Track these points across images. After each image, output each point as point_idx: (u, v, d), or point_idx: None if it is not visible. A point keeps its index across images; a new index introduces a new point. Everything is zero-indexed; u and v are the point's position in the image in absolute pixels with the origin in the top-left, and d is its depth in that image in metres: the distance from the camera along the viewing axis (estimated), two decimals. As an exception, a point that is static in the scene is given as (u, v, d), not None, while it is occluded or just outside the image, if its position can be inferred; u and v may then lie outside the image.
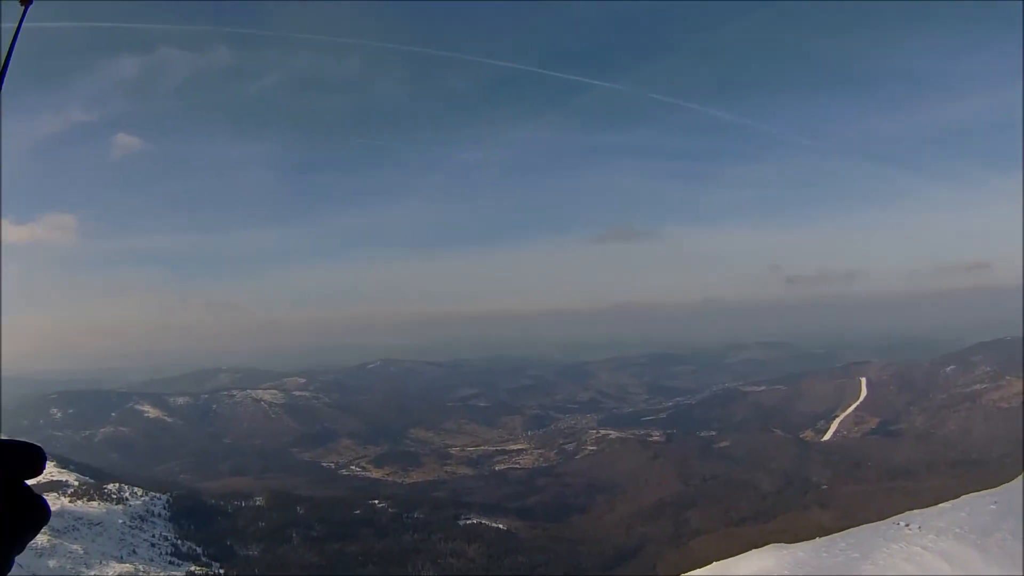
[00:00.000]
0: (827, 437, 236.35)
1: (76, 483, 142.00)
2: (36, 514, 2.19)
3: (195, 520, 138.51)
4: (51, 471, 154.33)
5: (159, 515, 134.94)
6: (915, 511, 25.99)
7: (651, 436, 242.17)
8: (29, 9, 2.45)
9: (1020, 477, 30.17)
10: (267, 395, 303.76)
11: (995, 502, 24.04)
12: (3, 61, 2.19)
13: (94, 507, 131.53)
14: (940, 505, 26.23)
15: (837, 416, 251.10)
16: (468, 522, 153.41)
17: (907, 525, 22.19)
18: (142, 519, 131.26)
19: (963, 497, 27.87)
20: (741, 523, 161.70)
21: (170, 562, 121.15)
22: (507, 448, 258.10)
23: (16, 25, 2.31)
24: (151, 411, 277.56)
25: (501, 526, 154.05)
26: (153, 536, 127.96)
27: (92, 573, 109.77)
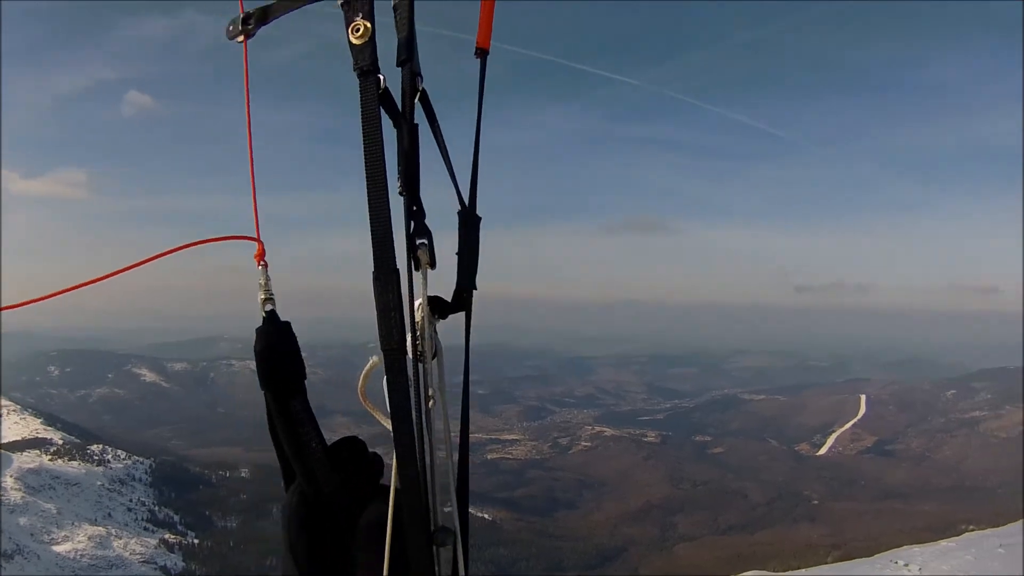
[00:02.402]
0: (822, 452, 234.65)
1: (60, 442, 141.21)
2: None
3: (176, 487, 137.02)
4: (36, 428, 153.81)
5: (140, 480, 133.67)
6: (914, 547, 23.93)
7: (646, 436, 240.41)
8: None
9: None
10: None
11: (1001, 545, 21.87)
12: None
13: (74, 467, 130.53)
14: (942, 543, 24.04)
15: (834, 431, 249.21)
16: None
17: (906, 565, 20.10)
18: (122, 483, 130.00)
19: (965, 535, 25.91)
20: (728, 531, 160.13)
21: (145, 528, 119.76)
22: (501, 437, 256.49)
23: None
24: (148, 375, 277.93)
25: (486, 516, 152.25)
26: (131, 501, 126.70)
27: (63, 533, 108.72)
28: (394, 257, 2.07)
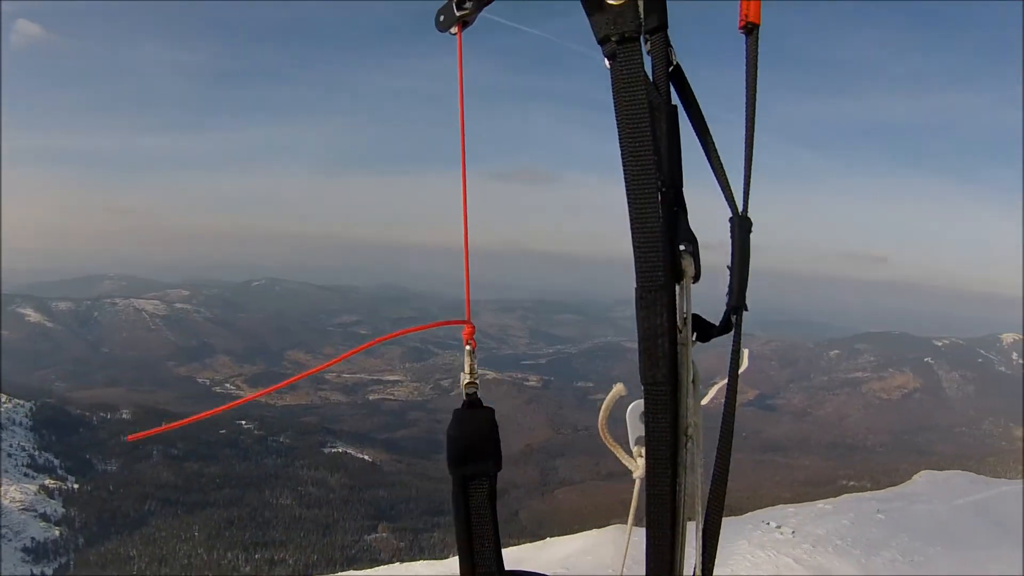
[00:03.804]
0: (704, 402, 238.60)
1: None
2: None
3: (57, 431, 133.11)
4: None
5: (20, 424, 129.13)
6: (789, 507, 23.50)
7: (528, 381, 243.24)
8: None
9: (907, 483, 28.13)
10: (149, 305, 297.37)
11: (881, 511, 21.68)
12: None
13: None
14: (818, 504, 23.69)
15: (716, 383, 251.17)
16: (334, 450, 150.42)
17: (778, 527, 19.63)
18: (1, 427, 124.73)
19: (844, 497, 25.54)
20: (608, 477, 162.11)
21: (25, 474, 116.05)
22: (383, 378, 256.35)
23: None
24: (33, 315, 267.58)
25: (367, 457, 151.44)
26: (11, 446, 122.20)
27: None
28: (664, 271, 1.72)
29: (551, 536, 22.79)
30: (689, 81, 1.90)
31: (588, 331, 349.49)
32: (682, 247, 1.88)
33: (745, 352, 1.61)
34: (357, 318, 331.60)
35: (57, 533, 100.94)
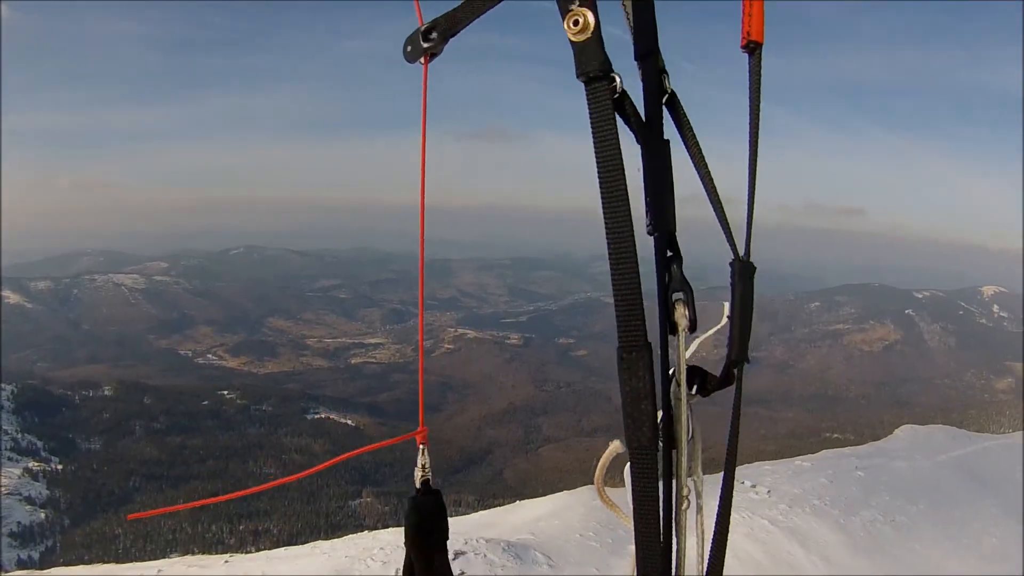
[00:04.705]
0: (687, 354, 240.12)
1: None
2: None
3: (39, 412, 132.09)
4: None
5: (3, 407, 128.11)
6: (766, 464, 23.42)
7: (509, 339, 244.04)
8: None
9: (888, 438, 28.09)
10: (128, 280, 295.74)
11: (861, 468, 21.66)
12: None
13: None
14: (796, 461, 23.50)
15: (697, 337, 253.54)
16: (316, 416, 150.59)
17: (754, 487, 19.57)
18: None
19: (823, 453, 25.35)
20: (592, 434, 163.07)
21: (8, 458, 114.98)
22: (364, 342, 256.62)
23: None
24: (11, 296, 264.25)
25: (349, 422, 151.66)
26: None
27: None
28: (644, 329, 1.56)
29: (535, 496, 22.81)
30: (685, 109, 1.73)
31: (567, 287, 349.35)
32: (675, 297, 1.80)
33: (726, 305, 1.54)
34: (336, 282, 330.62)
35: (43, 516, 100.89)
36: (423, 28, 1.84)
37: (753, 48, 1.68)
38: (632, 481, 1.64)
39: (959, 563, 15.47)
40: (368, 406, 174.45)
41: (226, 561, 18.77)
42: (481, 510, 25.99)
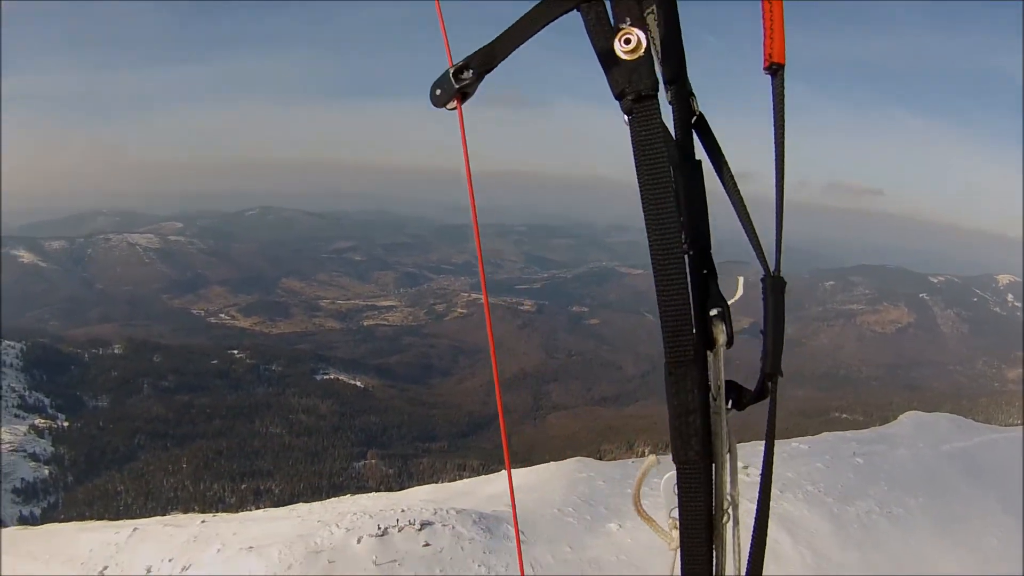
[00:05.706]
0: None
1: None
2: None
3: (47, 370, 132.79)
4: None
5: (11, 365, 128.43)
6: (761, 444, 21.85)
7: (522, 305, 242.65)
8: None
9: (891, 423, 26.66)
10: (142, 239, 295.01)
11: (860, 453, 20.30)
12: None
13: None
14: (793, 443, 22.23)
15: (741, 277, 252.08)
16: (325, 377, 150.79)
17: (745, 468, 18.19)
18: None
19: (823, 436, 24.11)
20: (601, 403, 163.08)
21: (15, 415, 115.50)
22: (377, 304, 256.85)
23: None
24: (26, 256, 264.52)
25: (359, 384, 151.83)
26: (1, 388, 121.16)
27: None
28: (692, 344, 1.57)
29: (541, 463, 21.75)
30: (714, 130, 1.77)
31: (582, 255, 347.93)
32: (713, 312, 1.81)
33: (740, 280, 1.58)
34: (351, 244, 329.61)
35: (46, 472, 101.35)
36: (455, 67, 1.68)
37: (776, 70, 1.69)
38: (680, 495, 1.63)
39: (956, 562, 14.60)
40: (378, 368, 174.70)
41: (203, 521, 18.35)
42: (485, 475, 25.35)
